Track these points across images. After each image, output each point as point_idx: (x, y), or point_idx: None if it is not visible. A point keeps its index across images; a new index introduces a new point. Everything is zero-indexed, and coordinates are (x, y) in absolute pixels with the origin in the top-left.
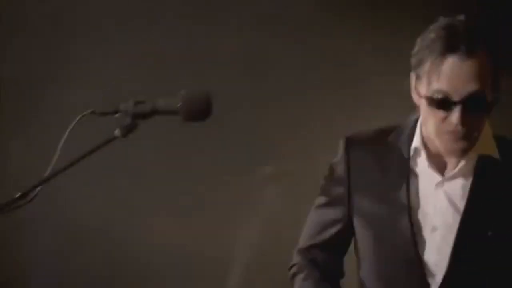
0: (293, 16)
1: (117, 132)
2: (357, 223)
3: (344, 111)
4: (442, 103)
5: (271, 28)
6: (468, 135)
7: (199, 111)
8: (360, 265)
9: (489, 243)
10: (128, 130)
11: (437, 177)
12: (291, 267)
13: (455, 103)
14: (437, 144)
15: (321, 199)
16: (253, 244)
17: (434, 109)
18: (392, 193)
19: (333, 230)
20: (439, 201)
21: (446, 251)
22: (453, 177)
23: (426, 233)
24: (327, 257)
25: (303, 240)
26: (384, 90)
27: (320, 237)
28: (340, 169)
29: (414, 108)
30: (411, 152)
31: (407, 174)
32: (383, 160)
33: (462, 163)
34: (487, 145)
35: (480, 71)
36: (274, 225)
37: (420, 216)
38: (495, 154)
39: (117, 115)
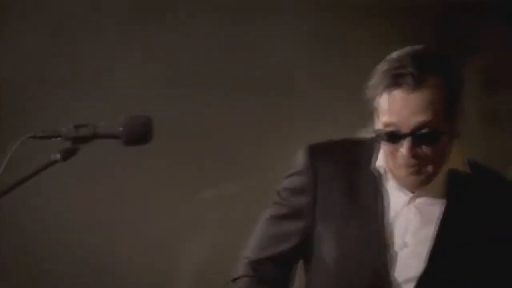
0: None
1: (57, 156)
2: (321, 236)
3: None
4: (391, 136)
5: (206, 46)
6: (422, 168)
7: (140, 135)
8: (313, 280)
9: (461, 260)
10: (68, 154)
11: (408, 194)
12: (236, 278)
13: (404, 136)
14: (395, 178)
15: (278, 210)
16: (199, 257)
17: (385, 143)
18: (363, 208)
19: (289, 243)
20: (411, 218)
21: (416, 267)
22: (425, 193)
23: (396, 249)
24: (278, 272)
25: (254, 252)
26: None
27: (273, 250)
28: (303, 179)
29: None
30: (381, 170)
31: (378, 190)
32: (352, 175)
33: (432, 180)
34: (456, 162)
35: (428, 102)
36: (219, 239)
37: (391, 232)
38: (465, 168)
39: (57, 139)
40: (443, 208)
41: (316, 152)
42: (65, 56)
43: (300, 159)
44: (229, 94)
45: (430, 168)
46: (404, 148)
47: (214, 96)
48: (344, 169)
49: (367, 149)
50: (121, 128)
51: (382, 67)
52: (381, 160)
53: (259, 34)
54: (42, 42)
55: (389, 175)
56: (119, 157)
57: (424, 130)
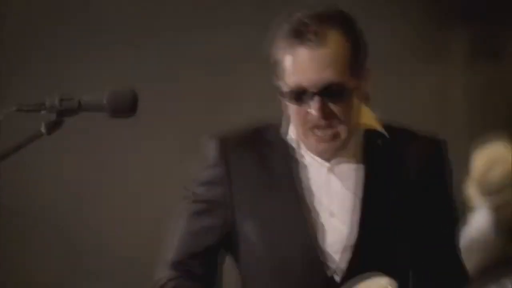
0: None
1: (42, 128)
2: (244, 225)
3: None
4: (299, 97)
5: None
6: (334, 130)
7: (125, 108)
8: (247, 272)
9: (390, 222)
10: (53, 127)
11: (325, 163)
12: (162, 285)
13: (312, 94)
14: (307, 148)
15: (195, 207)
16: None
17: (294, 105)
18: (281, 188)
19: (212, 238)
20: (333, 187)
21: (347, 236)
22: (342, 160)
23: (324, 220)
24: (205, 269)
25: (177, 252)
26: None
27: (197, 247)
28: (217, 172)
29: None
30: (293, 144)
31: (294, 166)
32: (266, 158)
33: (348, 145)
34: (369, 122)
35: (333, 58)
36: None
37: (316, 204)
38: (381, 130)
39: (42, 112)
40: (363, 172)
41: (226, 141)
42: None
43: (210, 151)
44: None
45: (342, 130)
46: (313, 108)
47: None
48: (257, 152)
49: (277, 127)
50: (105, 101)
51: (284, 27)
52: (293, 133)
53: None
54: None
55: (303, 148)
56: (104, 129)
57: (332, 87)
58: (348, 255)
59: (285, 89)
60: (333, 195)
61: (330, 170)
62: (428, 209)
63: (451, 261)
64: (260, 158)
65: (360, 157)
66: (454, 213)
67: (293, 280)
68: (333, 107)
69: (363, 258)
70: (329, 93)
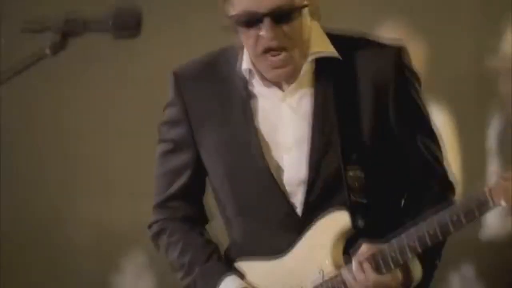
0: None
1: (47, 50)
2: (207, 162)
3: None
4: (249, 20)
5: None
6: (286, 53)
7: (130, 28)
8: (220, 206)
9: (344, 149)
10: (58, 48)
11: (278, 93)
12: (150, 226)
13: (262, 16)
14: (262, 74)
15: (163, 146)
16: None
17: (244, 29)
18: (235, 120)
19: (185, 176)
20: (286, 117)
21: (304, 165)
22: (295, 89)
23: (280, 151)
24: (186, 206)
25: (157, 196)
26: None
27: (173, 187)
28: (176, 110)
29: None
30: (246, 75)
31: (246, 98)
32: (219, 90)
33: (300, 72)
34: (320, 45)
35: None
36: None
37: (270, 136)
38: (332, 52)
39: (46, 32)
40: (314, 100)
41: (181, 76)
42: None
43: (169, 89)
44: None
45: (294, 53)
46: (263, 30)
47: None
48: (212, 84)
49: (231, 56)
50: (110, 22)
51: None
52: (246, 63)
53: None
54: None
55: (257, 77)
56: (109, 51)
57: (281, 7)
58: (304, 187)
59: (234, 13)
60: (287, 125)
61: (283, 100)
62: (393, 124)
63: (430, 176)
64: (215, 92)
65: (313, 84)
66: (427, 124)
67: (258, 215)
68: (285, 28)
69: (318, 189)
70: (278, 13)
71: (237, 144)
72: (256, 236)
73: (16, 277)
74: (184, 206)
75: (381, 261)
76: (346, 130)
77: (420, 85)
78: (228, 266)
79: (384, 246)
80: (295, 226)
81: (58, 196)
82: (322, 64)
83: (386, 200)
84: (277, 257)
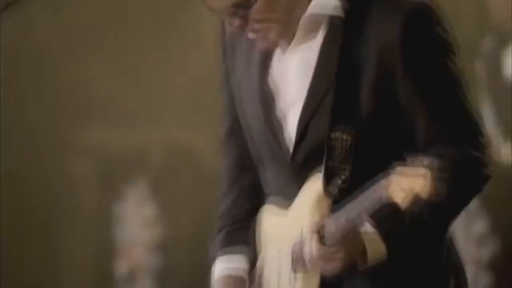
0: None
1: None
2: (238, 106)
3: None
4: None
5: None
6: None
7: None
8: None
9: (335, 111)
10: None
11: (286, 49)
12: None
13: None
14: None
15: (224, 127)
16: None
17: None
18: (253, 70)
19: (241, 146)
20: (292, 72)
21: (295, 124)
22: (299, 46)
23: (287, 107)
24: (252, 179)
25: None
26: None
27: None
28: (223, 69)
29: None
30: None
31: (263, 55)
32: (248, 48)
33: (301, 29)
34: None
35: None
36: None
37: (279, 93)
38: (329, 9)
39: None
40: (317, 55)
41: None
42: None
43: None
44: None
45: (273, 28)
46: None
47: None
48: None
49: None
50: None
51: None
52: None
53: None
54: None
55: None
56: None
57: None
58: (291, 147)
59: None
60: (292, 80)
61: (288, 57)
62: (402, 94)
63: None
64: (244, 48)
65: (319, 38)
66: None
67: (270, 165)
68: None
69: (304, 150)
70: None
71: (252, 95)
72: (273, 184)
73: (17, 210)
74: (250, 181)
75: (325, 233)
76: (342, 93)
77: (448, 51)
78: (239, 238)
79: (332, 217)
80: (295, 184)
81: (58, 124)
82: (333, 21)
83: (371, 169)
84: (287, 208)
